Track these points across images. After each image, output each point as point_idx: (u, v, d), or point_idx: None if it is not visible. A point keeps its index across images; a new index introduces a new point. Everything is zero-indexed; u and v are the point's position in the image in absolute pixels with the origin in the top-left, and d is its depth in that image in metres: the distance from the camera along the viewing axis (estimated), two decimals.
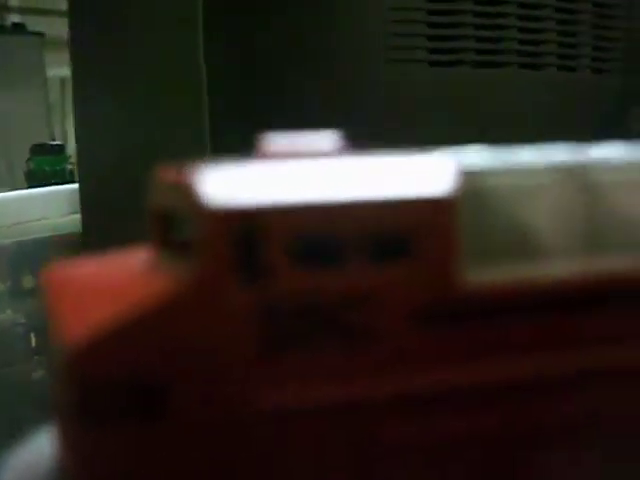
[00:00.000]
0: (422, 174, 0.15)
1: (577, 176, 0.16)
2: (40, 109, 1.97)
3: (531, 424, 0.16)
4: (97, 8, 0.48)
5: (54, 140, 1.46)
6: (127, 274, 0.16)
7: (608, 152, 0.17)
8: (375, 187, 0.15)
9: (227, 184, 0.14)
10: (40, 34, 1.98)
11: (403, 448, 0.15)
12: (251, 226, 0.14)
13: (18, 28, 1.97)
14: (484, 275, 0.16)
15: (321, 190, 0.15)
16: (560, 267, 0.16)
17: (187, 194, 0.15)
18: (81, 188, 0.51)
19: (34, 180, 0.98)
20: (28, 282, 0.56)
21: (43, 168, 1.03)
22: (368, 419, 0.15)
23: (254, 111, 0.43)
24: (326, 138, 0.16)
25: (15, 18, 2.14)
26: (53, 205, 0.57)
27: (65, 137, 1.87)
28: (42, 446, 0.17)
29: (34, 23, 2.01)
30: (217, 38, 0.44)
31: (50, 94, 2.08)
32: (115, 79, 0.47)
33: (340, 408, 0.15)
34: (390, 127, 0.41)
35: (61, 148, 1.14)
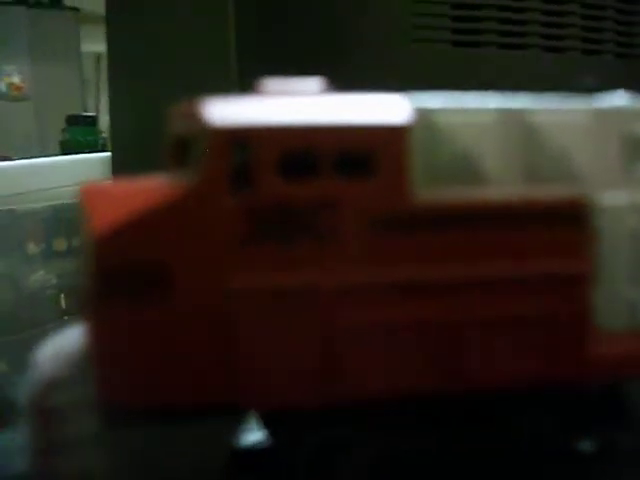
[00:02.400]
0: (383, 109, 0.20)
1: (516, 117, 0.20)
2: (74, 83, 1.99)
3: (462, 314, 0.20)
4: None
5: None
6: (145, 188, 0.19)
7: (548, 101, 0.21)
8: (344, 117, 0.19)
9: (228, 112, 0.19)
10: (76, 9, 2.00)
11: (354, 331, 0.19)
12: (243, 142, 0.18)
13: (54, 2, 1.99)
14: (431, 194, 0.19)
15: (301, 118, 0.19)
16: (496, 192, 0.20)
17: (195, 119, 0.19)
18: (113, 155, 0.52)
19: (69, 149, 1.00)
20: (60, 245, 0.58)
21: (77, 138, 1.06)
22: (326, 304, 0.19)
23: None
24: (312, 83, 0.20)
25: None
26: (86, 171, 0.59)
27: (98, 112, 1.89)
28: (71, 335, 0.20)
29: None
30: (249, 19, 0.45)
31: (85, 69, 2.11)
32: (148, 55, 0.48)
33: (304, 292, 0.19)
34: None
35: (94, 119, 1.16)
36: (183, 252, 0.18)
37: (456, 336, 0.19)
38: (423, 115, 0.20)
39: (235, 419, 0.20)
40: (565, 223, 0.20)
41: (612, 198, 0.20)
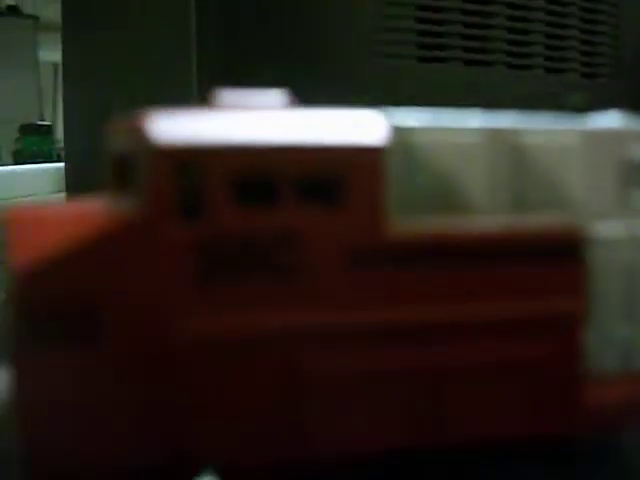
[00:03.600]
0: (355, 126, 0.17)
1: (503, 137, 0.18)
2: (31, 92, 1.96)
3: (442, 360, 0.17)
4: None
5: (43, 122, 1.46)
6: (81, 213, 0.17)
7: (536, 120, 0.19)
8: (310, 135, 0.17)
9: (174, 128, 0.16)
10: (35, 17, 1.98)
11: (324, 378, 0.17)
12: (192, 164, 0.16)
13: (12, 10, 1.96)
14: (409, 224, 0.17)
15: (260, 136, 0.16)
16: (481, 222, 0.18)
17: (137, 135, 0.16)
18: (67, 167, 0.51)
19: (22, 159, 0.98)
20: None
21: (31, 147, 1.03)
22: (292, 350, 0.16)
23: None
24: (273, 95, 0.17)
25: (10, 1, 2.13)
26: (40, 183, 0.57)
27: (55, 123, 1.86)
28: None
29: (29, 6, 2.00)
30: (211, 33, 0.44)
31: (42, 79, 2.08)
32: (102, 64, 0.47)
33: (266, 337, 0.16)
34: None
35: (49, 129, 1.14)
36: (120, 291, 0.15)
37: (436, 384, 0.17)
38: (401, 134, 0.17)
39: (188, 477, 0.17)
40: (555, 257, 0.18)
41: (606, 229, 0.19)
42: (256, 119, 0.17)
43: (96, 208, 0.17)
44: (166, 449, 0.16)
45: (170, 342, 0.16)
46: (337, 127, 0.17)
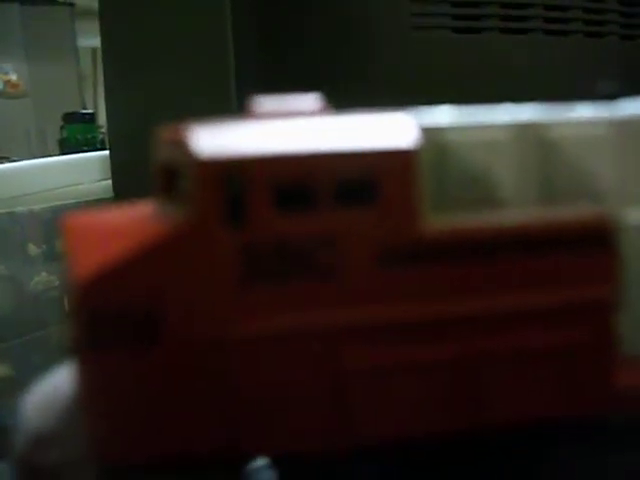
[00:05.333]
0: (388, 130, 0.18)
1: (533, 132, 0.18)
2: (71, 79, 1.99)
3: (480, 351, 0.18)
4: None
5: (85, 109, 1.48)
6: (133, 221, 0.18)
7: (565, 111, 0.19)
8: (345, 140, 0.17)
9: (216, 139, 0.17)
10: (70, 4, 1.99)
11: (363, 374, 0.17)
12: (235, 174, 0.17)
13: None
14: (443, 222, 0.18)
15: (299, 144, 0.17)
16: (513, 216, 0.18)
17: (182, 148, 0.17)
18: (112, 155, 0.52)
19: (67, 147, 0.99)
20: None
21: (75, 136, 1.05)
22: (332, 346, 0.17)
23: (280, 74, 0.44)
24: (308, 100, 0.18)
25: None
26: (85, 171, 0.58)
27: (96, 106, 1.88)
28: (60, 379, 0.19)
29: None
30: (245, 11, 0.44)
31: (82, 64, 2.10)
32: (144, 48, 0.48)
33: (307, 334, 0.17)
34: (414, 93, 0.42)
35: (92, 117, 1.15)
36: (175, 296, 0.17)
37: (474, 374, 0.18)
38: (431, 135, 0.18)
39: (239, 467, 0.18)
40: (588, 246, 0.18)
41: (637, 216, 0.19)
42: (293, 126, 0.17)
43: (147, 215, 0.18)
44: (218, 440, 0.17)
45: (220, 340, 0.17)
46: (370, 131, 0.18)
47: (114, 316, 0.16)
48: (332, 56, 0.45)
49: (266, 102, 0.18)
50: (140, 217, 0.18)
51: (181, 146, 0.17)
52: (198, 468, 0.17)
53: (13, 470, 0.19)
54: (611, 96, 0.20)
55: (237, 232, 0.17)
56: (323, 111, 0.18)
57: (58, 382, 0.19)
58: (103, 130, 1.09)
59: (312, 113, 0.18)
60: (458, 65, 0.43)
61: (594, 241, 0.18)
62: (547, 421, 0.19)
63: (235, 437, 0.17)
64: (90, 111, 1.30)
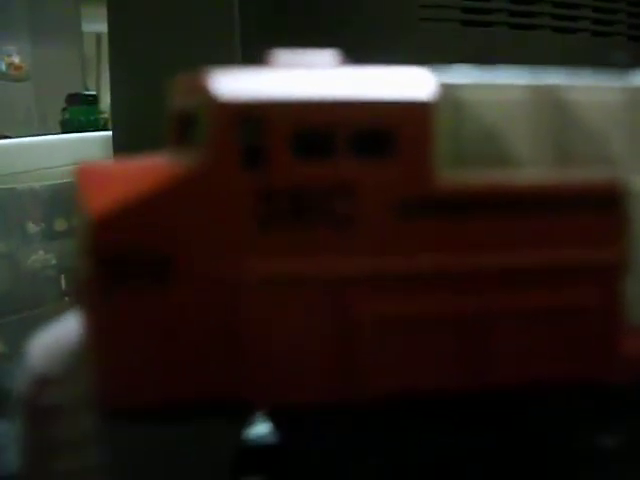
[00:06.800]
0: (406, 84, 0.18)
1: (548, 93, 0.19)
2: (75, 62, 1.98)
3: (490, 306, 0.18)
4: None
5: (88, 91, 1.47)
6: (147, 167, 0.18)
7: (580, 77, 0.19)
8: (364, 91, 0.17)
9: (236, 85, 0.17)
10: None
11: (374, 323, 0.17)
12: (253, 117, 0.17)
13: None
14: (457, 176, 0.18)
15: (319, 92, 0.17)
16: (526, 175, 0.18)
17: (201, 92, 0.17)
18: (114, 135, 0.52)
19: (69, 129, 0.99)
20: (61, 225, 0.57)
21: (78, 117, 1.04)
22: (344, 293, 0.17)
23: None
24: (327, 55, 0.18)
25: None
26: (87, 151, 0.58)
27: (99, 92, 1.88)
28: (66, 325, 0.19)
29: None
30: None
31: (86, 49, 2.09)
32: (148, 32, 0.48)
33: (319, 281, 0.17)
34: None
35: (95, 98, 1.15)
36: (189, 237, 0.17)
37: (483, 330, 0.18)
38: (448, 91, 0.18)
39: (243, 417, 0.18)
40: (598, 208, 0.18)
41: None
42: (312, 76, 0.17)
43: (160, 162, 0.18)
44: (222, 387, 0.17)
45: (232, 283, 0.17)
46: (388, 83, 0.18)
47: (128, 255, 0.16)
48: (336, 45, 0.44)
49: (283, 54, 0.18)
50: (154, 164, 0.18)
51: (200, 90, 0.17)
52: (200, 416, 0.17)
53: (17, 410, 0.19)
54: (624, 66, 0.21)
55: (254, 176, 0.17)
56: (342, 65, 0.18)
57: (64, 328, 0.19)
58: (105, 115, 1.09)
59: (331, 66, 0.18)
60: (464, 58, 0.43)
61: (604, 204, 0.19)
62: (551, 384, 0.19)
63: (243, 384, 0.17)
64: (93, 92, 1.29)
